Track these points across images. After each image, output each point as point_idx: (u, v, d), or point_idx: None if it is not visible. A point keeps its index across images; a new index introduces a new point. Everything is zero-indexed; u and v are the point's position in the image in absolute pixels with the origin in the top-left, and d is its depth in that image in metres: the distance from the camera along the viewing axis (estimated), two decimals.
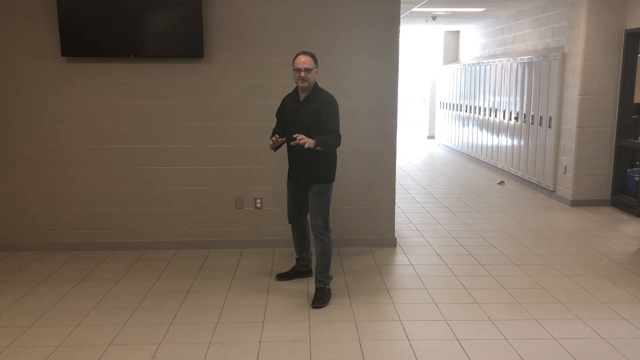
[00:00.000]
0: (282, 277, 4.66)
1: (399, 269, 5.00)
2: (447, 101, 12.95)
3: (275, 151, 4.30)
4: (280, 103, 4.42)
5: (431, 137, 15.07)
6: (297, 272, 4.67)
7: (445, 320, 3.89)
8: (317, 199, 4.18)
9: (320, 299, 4.15)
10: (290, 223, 4.52)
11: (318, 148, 3.97)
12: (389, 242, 5.56)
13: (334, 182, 4.28)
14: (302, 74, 4.07)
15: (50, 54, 5.11)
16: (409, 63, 16.80)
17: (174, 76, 5.22)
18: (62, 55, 5.07)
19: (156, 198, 5.39)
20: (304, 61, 4.08)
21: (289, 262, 4.90)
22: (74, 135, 5.27)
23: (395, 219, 6.60)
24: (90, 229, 5.39)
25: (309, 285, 4.50)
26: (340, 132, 4.16)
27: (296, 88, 4.24)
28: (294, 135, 3.93)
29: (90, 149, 5.29)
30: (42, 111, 5.22)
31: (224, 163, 5.37)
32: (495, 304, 4.17)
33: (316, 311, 4.03)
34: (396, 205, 7.32)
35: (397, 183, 8.88)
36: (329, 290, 4.28)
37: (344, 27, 5.22)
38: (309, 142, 3.90)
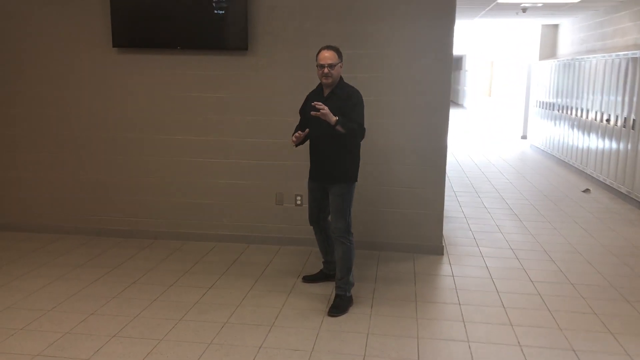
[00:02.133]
0: (308, 279, 4.48)
1: (437, 280, 4.64)
2: (542, 99, 12.08)
3: (296, 147, 4.11)
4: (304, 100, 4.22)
5: (524, 137, 14.17)
6: (324, 276, 4.47)
7: (468, 342, 3.53)
8: (338, 200, 3.95)
9: (338, 307, 3.92)
10: (310, 225, 4.32)
11: (338, 128, 3.76)
12: (436, 249, 5.19)
13: (356, 183, 4.02)
14: (326, 70, 3.86)
15: (102, 45, 5.24)
16: (502, 58, 15.90)
17: (218, 69, 5.18)
18: (114, 46, 5.18)
19: (199, 190, 5.40)
20: (327, 56, 3.86)
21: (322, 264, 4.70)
22: (123, 124, 5.38)
23: (454, 224, 6.23)
24: (136, 217, 5.50)
25: (334, 290, 4.28)
26: (365, 126, 3.95)
27: (320, 83, 4.03)
28: (312, 104, 3.73)
29: (138, 139, 5.38)
30: (93, 100, 5.37)
31: (266, 158, 5.27)
32: (531, 328, 3.73)
33: (330, 319, 3.81)
34: (460, 210, 6.92)
35: (469, 185, 8.41)
36: (350, 297, 4.04)
37: (394, 18, 4.91)
38: (330, 116, 3.70)
